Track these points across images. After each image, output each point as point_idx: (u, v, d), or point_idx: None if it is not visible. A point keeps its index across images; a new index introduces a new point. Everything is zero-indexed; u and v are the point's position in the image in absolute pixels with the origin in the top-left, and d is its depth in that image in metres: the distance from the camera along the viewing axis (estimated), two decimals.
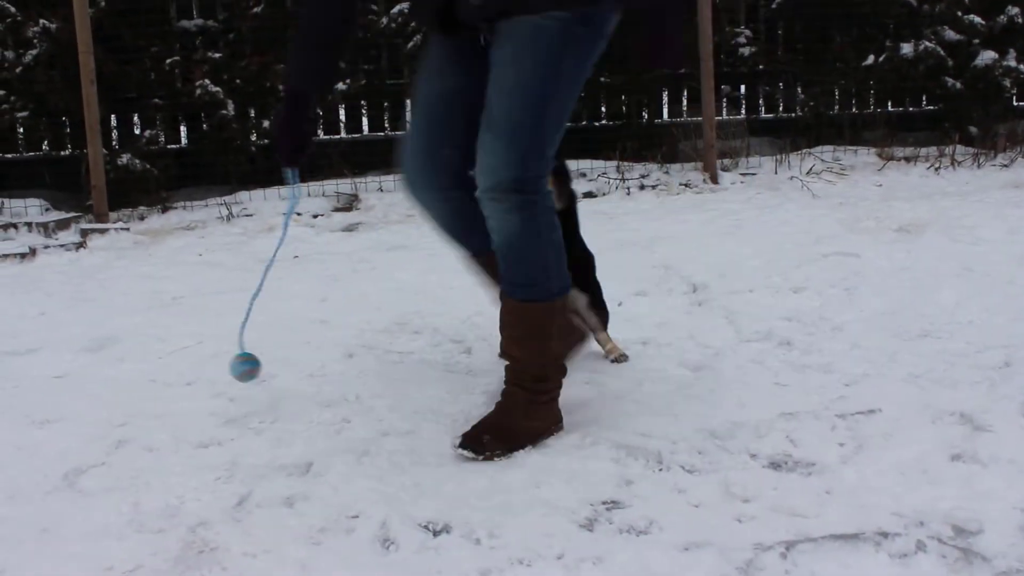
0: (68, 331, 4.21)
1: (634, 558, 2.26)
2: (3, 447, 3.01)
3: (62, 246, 6.09)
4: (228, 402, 3.27)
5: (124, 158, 7.33)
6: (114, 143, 7.73)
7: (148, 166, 7.38)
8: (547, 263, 2.82)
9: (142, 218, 6.80)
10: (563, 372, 2.99)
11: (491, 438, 2.80)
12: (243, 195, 7.12)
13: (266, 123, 7.69)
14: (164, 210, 6.98)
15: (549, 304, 2.84)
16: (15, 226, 6.64)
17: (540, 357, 2.89)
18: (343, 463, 2.77)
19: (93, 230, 6.40)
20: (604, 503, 2.52)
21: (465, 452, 2.78)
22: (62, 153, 8.00)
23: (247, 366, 3.05)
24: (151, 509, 2.55)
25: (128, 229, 6.43)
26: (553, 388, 2.93)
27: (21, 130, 8.02)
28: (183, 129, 8.02)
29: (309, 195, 6.90)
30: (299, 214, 6.51)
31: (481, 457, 2.77)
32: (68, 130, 7.90)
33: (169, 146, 7.92)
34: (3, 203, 7.14)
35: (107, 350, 3.92)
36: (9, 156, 8.01)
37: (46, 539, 2.43)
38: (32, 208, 7.13)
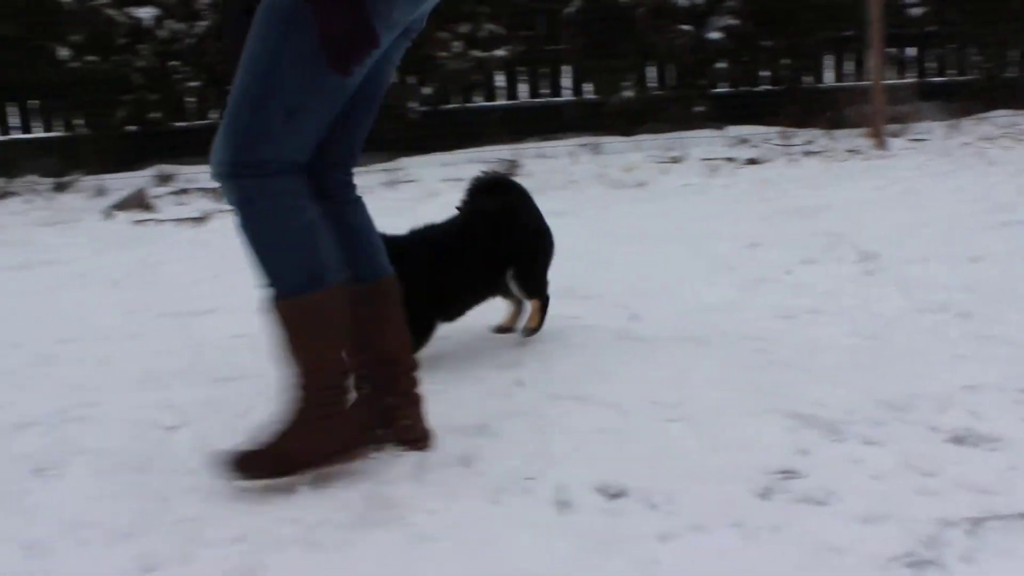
0: (242, 293, 4.32)
1: (813, 528, 2.22)
2: (190, 404, 3.13)
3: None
4: None
5: None
6: None
7: None
8: (273, 257, 2.47)
9: None
10: (337, 391, 2.57)
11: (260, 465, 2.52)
12: (404, 161, 7.22)
13: (426, 90, 7.77)
14: None
15: (284, 301, 2.49)
16: (189, 191, 6.89)
17: (298, 366, 2.53)
18: (517, 425, 2.80)
19: None
20: (780, 472, 2.48)
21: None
22: None
23: None
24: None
25: None
26: (321, 407, 2.53)
27: (191, 100, 8.31)
28: None
29: (470, 161, 6.97)
30: (459, 179, 6.57)
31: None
32: None
33: None
34: (178, 170, 7.42)
35: None
36: (181, 125, 8.30)
37: (236, 491, 2.52)
38: (202, 175, 7.37)
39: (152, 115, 8.12)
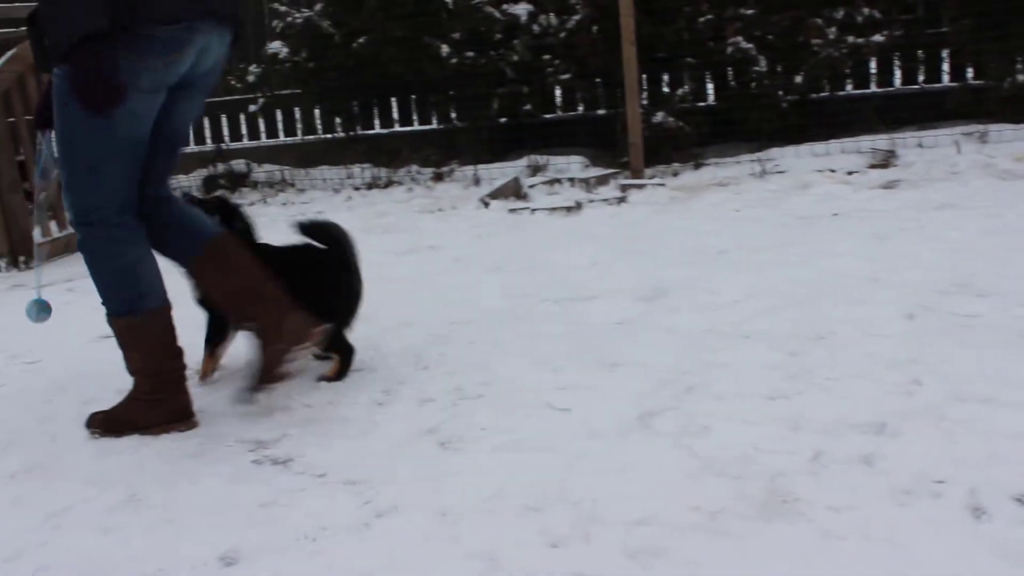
0: (621, 280, 4.41)
1: None
2: (578, 388, 3.21)
3: (604, 200, 6.40)
4: (788, 356, 3.27)
5: (658, 116, 7.56)
6: (645, 101, 7.98)
7: (681, 123, 7.56)
8: (102, 287, 3.20)
9: (675, 174, 6.98)
10: (161, 382, 3.25)
11: (101, 422, 3.27)
12: (774, 151, 7.08)
13: (797, 79, 7.58)
14: (697, 166, 7.11)
15: (110, 318, 3.23)
16: (559, 181, 7.08)
17: (128, 364, 3.27)
18: (919, 426, 2.67)
19: (631, 185, 6.66)
20: None
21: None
22: (597, 112, 8.40)
23: (40, 310, 3.51)
24: (726, 456, 2.60)
25: (664, 185, 6.62)
26: (147, 393, 3.24)
27: (559, 92, 8.52)
28: (712, 87, 8.12)
29: (843, 151, 6.76)
30: (832, 170, 6.38)
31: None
32: (604, 90, 8.28)
33: (698, 104, 8.06)
34: (548, 160, 7.64)
35: (661, 300, 4.06)
36: (551, 116, 8.54)
37: (630, 475, 2.56)
38: (573, 165, 7.57)
39: (524, 107, 8.39)
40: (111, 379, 3.56)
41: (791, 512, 2.29)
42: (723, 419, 2.82)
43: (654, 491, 2.46)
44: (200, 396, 3.48)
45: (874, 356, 3.19)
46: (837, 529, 2.20)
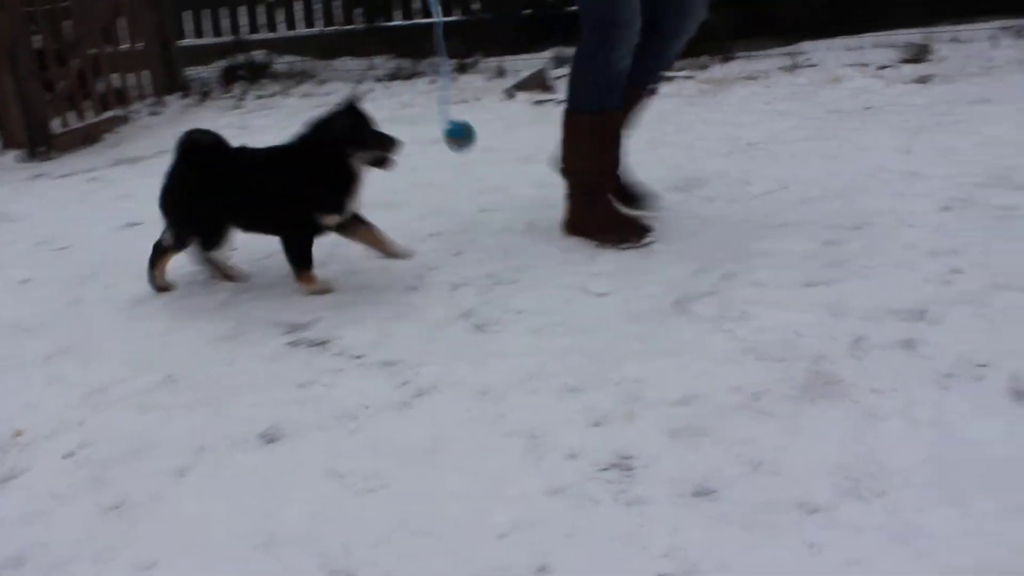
0: (653, 170, 4.34)
1: None
2: (614, 274, 3.20)
3: None
4: (826, 245, 3.25)
5: None
6: None
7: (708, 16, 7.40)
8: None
9: (703, 67, 6.86)
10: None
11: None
12: (805, 45, 6.95)
13: None
14: (725, 60, 6.99)
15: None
16: None
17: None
18: (959, 312, 2.66)
19: None
20: None
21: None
22: None
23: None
24: (768, 340, 2.60)
25: (692, 78, 6.53)
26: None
27: None
28: None
29: (875, 46, 6.63)
30: (864, 64, 6.27)
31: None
32: None
33: None
34: (574, 52, 7.53)
35: (695, 190, 4.03)
36: (576, 8, 8.38)
37: (671, 357, 2.57)
38: None
39: None
40: (137, 265, 3.56)
41: (835, 394, 2.29)
42: (762, 305, 2.81)
43: (696, 373, 2.47)
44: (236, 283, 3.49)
45: (913, 246, 3.16)
46: (881, 410, 2.21)
